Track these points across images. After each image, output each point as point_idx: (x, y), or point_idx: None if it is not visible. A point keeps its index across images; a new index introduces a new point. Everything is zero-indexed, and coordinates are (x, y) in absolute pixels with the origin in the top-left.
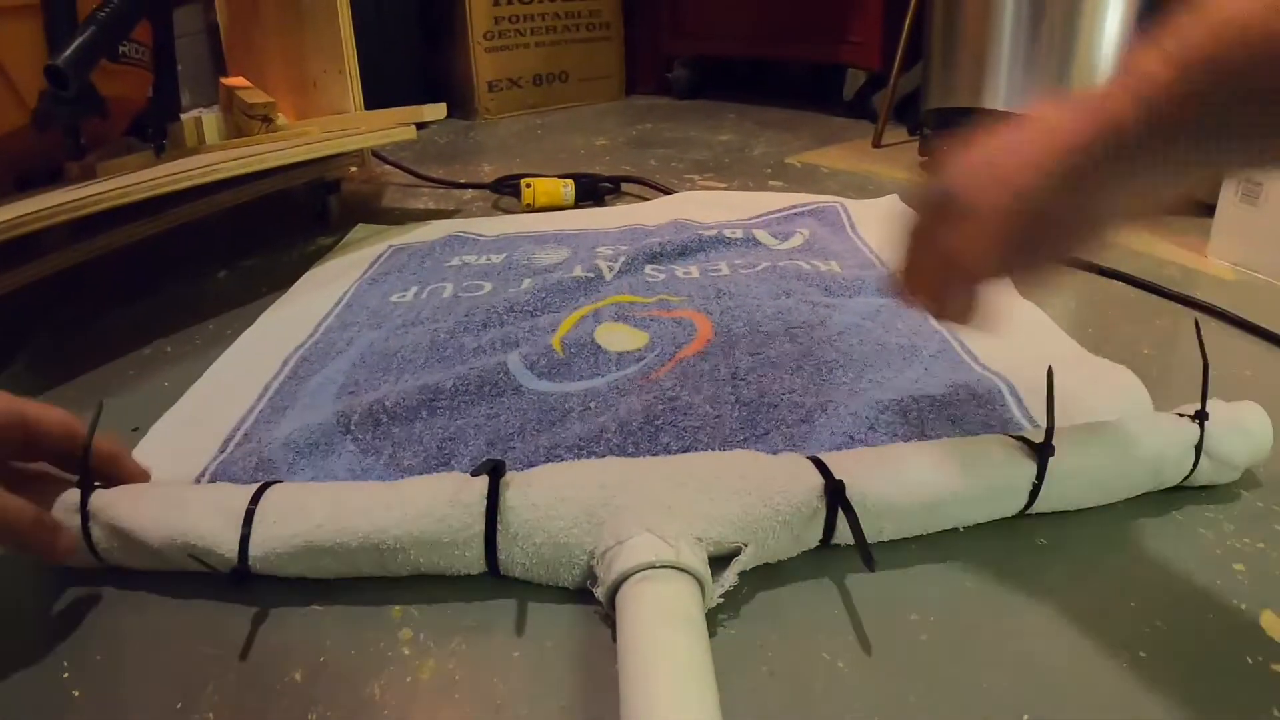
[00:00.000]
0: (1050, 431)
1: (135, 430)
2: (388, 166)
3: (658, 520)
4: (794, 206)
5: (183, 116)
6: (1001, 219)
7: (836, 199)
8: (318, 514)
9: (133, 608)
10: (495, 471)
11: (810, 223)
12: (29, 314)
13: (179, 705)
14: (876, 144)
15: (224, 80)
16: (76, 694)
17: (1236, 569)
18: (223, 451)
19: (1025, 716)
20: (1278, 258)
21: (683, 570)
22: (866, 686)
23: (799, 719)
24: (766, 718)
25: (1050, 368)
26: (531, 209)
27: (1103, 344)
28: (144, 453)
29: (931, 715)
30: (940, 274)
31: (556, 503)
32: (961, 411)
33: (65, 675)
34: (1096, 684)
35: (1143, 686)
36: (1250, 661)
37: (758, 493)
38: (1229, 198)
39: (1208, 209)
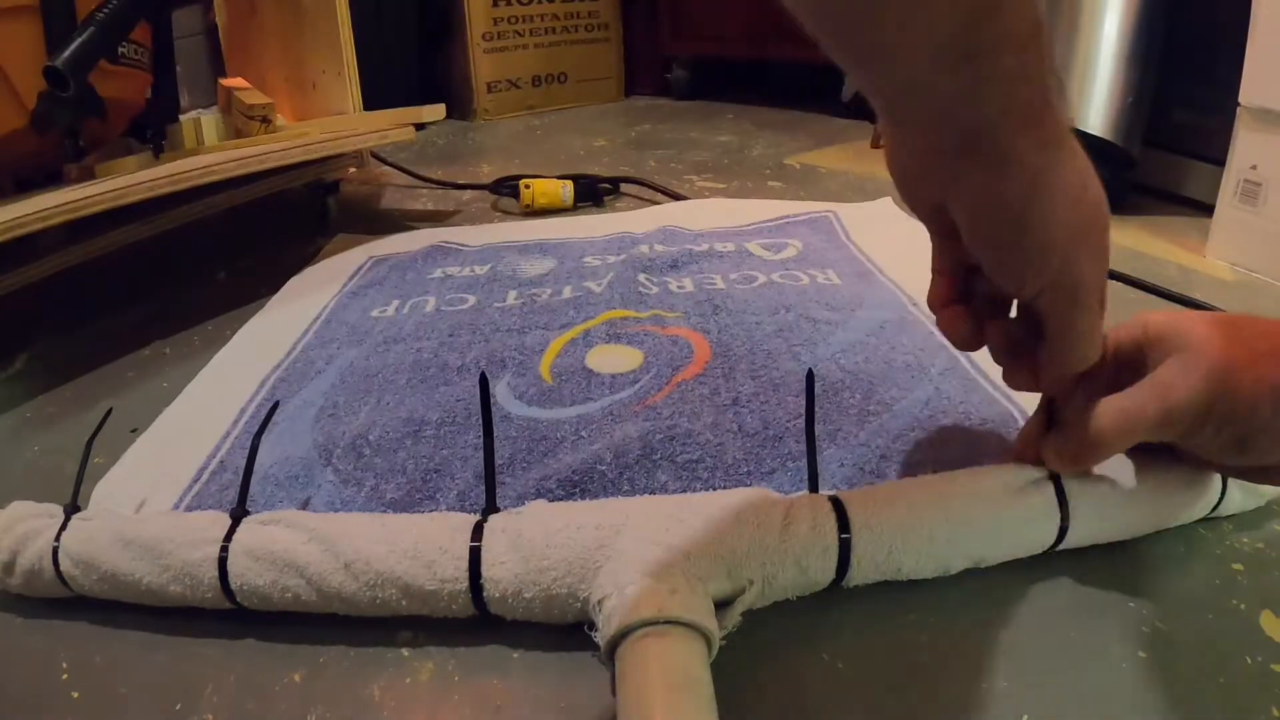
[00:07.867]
0: None
1: (134, 431)
2: (387, 168)
3: (657, 563)
4: (785, 216)
5: (181, 118)
6: None
7: (828, 208)
8: (301, 556)
9: (132, 609)
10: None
11: (803, 232)
12: (27, 315)
13: (178, 706)
14: (875, 145)
15: (223, 81)
16: (76, 695)
17: (1236, 569)
18: (196, 481)
19: (1025, 717)
20: (1277, 258)
21: (686, 624)
22: (866, 686)
23: (799, 719)
24: (766, 718)
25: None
26: (530, 210)
27: None
28: (116, 480)
29: (931, 715)
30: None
31: (548, 550)
32: (975, 436)
33: (65, 676)
34: (1096, 684)
35: (1142, 686)
36: (1250, 661)
37: (765, 525)
38: (1228, 198)
39: (1207, 209)
